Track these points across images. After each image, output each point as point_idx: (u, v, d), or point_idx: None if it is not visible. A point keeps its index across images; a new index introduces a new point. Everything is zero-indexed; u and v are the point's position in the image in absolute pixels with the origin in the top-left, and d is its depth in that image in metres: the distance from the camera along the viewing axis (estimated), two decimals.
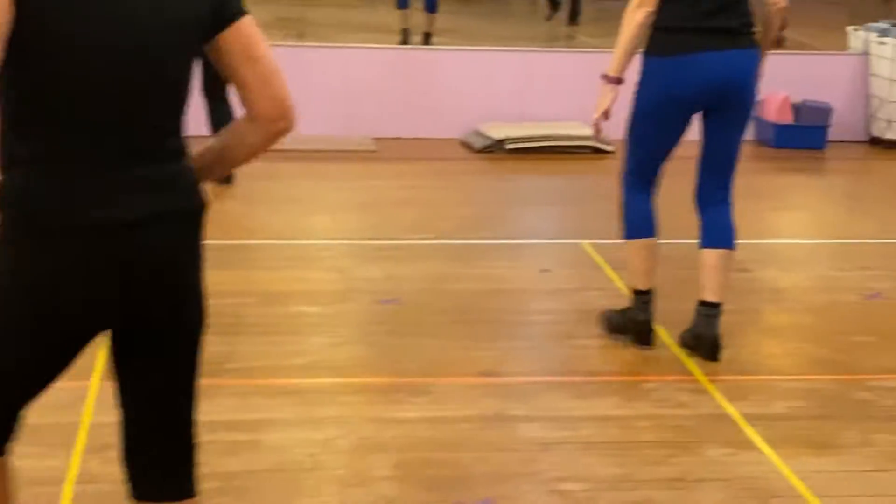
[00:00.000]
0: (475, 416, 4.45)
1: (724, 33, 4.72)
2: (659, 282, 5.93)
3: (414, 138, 8.95)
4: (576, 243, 6.54)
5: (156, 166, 2.43)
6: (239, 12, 2.51)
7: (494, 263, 6.22)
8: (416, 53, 9.90)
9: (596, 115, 4.77)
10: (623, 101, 4.85)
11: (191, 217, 2.50)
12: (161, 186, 2.43)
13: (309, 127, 8.83)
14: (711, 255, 4.97)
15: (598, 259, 6.23)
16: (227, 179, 7.48)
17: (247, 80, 2.50)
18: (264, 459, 4.05)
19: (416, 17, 11.96)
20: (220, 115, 7.49)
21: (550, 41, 13.02)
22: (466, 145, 8.82)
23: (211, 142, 2.62)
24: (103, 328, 2.50)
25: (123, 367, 2.59)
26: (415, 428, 4.33)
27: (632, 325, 5.06)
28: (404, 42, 11.25)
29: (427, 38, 11.83)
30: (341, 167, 8.20)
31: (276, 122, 2.53)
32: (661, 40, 4.73)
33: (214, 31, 2.49)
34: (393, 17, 12.44)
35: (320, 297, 5.62)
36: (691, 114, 4.86)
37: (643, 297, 5.03)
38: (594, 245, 6.47)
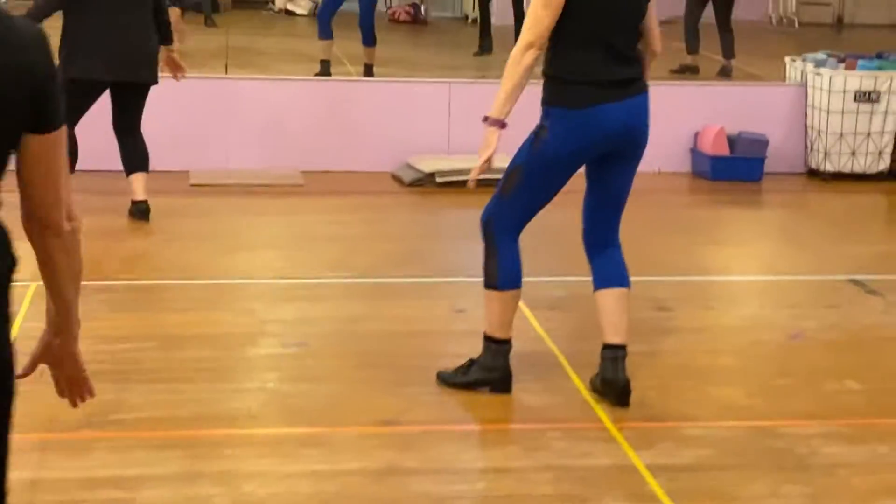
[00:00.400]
0: (367, 470, 4.27)
1: (624, 83, 4.67)
2: (570, 322, 5.79)
3: (344, 171, 8.78)
4: None
5: None
6: (59, 123, 2.46)
7: (410, 303, 6.06)
8: (348, 85, 9.74)
9: (482, 161, 4.62)
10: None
11: None
12: None
13: (235, 160, 8.68)
14: (609, 296, 4.83)
15: None
16: (142, 215, 7.28)
17: (36, 184, 2.48)
18: None
19: (352, 47, 11.79)
20: (131, 150, 7.30)
21: (499, 70, 12.90)
22: (397, 179, 8.66)
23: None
24: None
25: None
26: (300, 483, 4.15)
27: (493, 373, 4.89)
28: (325, 73, 11.02)
29: (368, 70, 11.65)
30: (266, 202, 8.02)
31: (50, 220, 2.51)
32: (565, 92, 4.63)
33: (26, 130, 2.42)
34: (342, 48, 12.27)
35: (225, 341, 5.43)
36: (587, 162, 4.77)
37: (506, 346, 4.90)
38: None
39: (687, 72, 12.21)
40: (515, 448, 4.50)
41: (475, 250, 7.06)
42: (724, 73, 12.19)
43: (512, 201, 4.76)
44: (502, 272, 4.80)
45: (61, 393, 2.73)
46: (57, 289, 2.60)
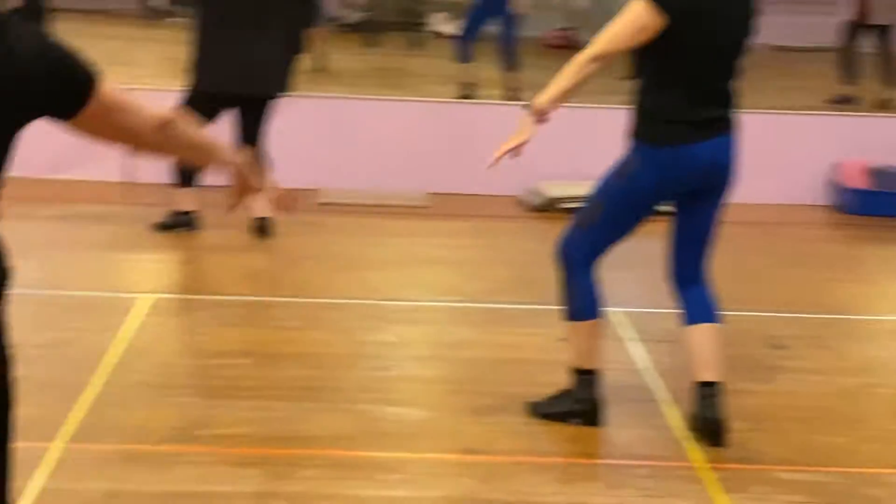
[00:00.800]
0: (444, 498, 4.20)
1: (714, 122, 4.56)
2: (678, 356, 5.61)
3: (471, 194, 8.73)
4: (611, 311, 6.22)
5: None
6: (95, 80, 2.43)
7: (514, 330, 5.96)
8: (478, 108, 9.68)
9: (510, 146, 4.47)
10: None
11: None
12: None
13: (365, 180, 8.70)
14: (702, 332, 4.68)
15: (622, 330, 5.93)
16: (263, 232, 7.34)
17: (136, 125, 2.52)
18: None
19: (497, 70, 11.75)
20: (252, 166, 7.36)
21: None
22: (523, 203, 8.57)
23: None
24: None
25: None
26: None
27: (583, 405, 4.78)
28: (466, 96, 11.03)
29: (513, 95, 11.63)
30: (388, 223, 8.01)
31: (146, 145, 2.62)
32: (655, 128, 4.53)
33: (68, 110, 2.41)
34: (488, 71, 12.26)
35: (321, 361, 5.42)
36: (672, 199, 4.67)
37: (594, 377, 4.79)
38: (623, 314, 6.16)
39: (844, 103, 11.83)
40: (599, 484, 4.37)
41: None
42: (884, 104, 11.77)
43: (590, 233, 4.67)
44: (580, 303, 4.70)
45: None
46: (189, 154, 2.76)
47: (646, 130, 4.54)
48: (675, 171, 4.52)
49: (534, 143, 8.73)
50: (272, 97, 7.28)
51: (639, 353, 5.67)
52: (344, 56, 13.50)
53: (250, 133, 7.31)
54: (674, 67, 4.47)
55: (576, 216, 4.78)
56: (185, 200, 7.33)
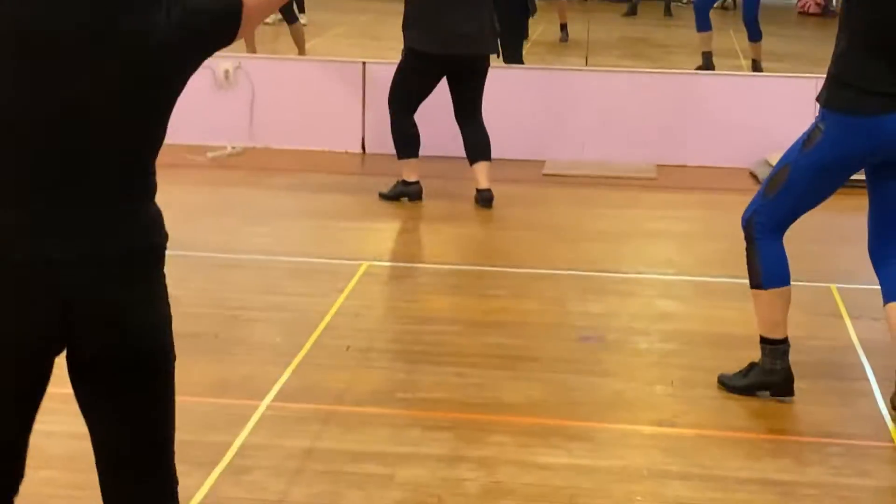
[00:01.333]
0: (626, 468, 4.23)
1: None
2: (882, 335, 5.47)
3: (701, 166, 8.63)
4: (825, 287, 6.12)
5: (103, 208, 2.44)
6: (236, 13, 2.51)
7: (721, 304, 5.90)
8: (711, 78, 9.53)
9: None
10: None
11: (136, 258, 2.48)
12: (104, 228, 2.44)
13: (591, 151, 8.70)
14: None
15: (842, 307, 5.81)
16: (485, 203, 7.45)
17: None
18: (386, 497, 4.00)
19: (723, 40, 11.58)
20: (472, 138, 7.48)
21: None
22: (754, 176, 8.43)
23: None
24: (46, 359, 2.51)
25: (79, 399, 2.59)
26: (555, 476, 4.16)
27: (773, 376, 4.72)
28: (706, 66, 10.87)
29: (755, 66, 11.45)
30: (613, 194, 8.01)
31: None
32: (846, 97, 4.42)
33: (226, 44, 2.53)
34: (741, 41, 12.10)
35: (524, 330, 5.50)
36: (865, 171, 4.59)
37: (783, 347, 4.72)
38: (835, 289, 6.04)
39: None
40: (788, 461, 4.32)
41: (811, 254, 6.84)
42: None
43: (776, 201, 4.60)
44: (765, 271, 4.65)
45: None
46: None
47: (837, 98, 4.44)
48: (864, 143, 4.42)
49: (766, 115, 8.63)
50: (480, 55, 7.32)
51: (847, 330, 5.55)
52: (596, 26, 13.54)
53: (467, 106, 7.41)
54: (868, 34, 4.35)
55: (764, 184, 4.72)
56: (409, 171, 7.51)
